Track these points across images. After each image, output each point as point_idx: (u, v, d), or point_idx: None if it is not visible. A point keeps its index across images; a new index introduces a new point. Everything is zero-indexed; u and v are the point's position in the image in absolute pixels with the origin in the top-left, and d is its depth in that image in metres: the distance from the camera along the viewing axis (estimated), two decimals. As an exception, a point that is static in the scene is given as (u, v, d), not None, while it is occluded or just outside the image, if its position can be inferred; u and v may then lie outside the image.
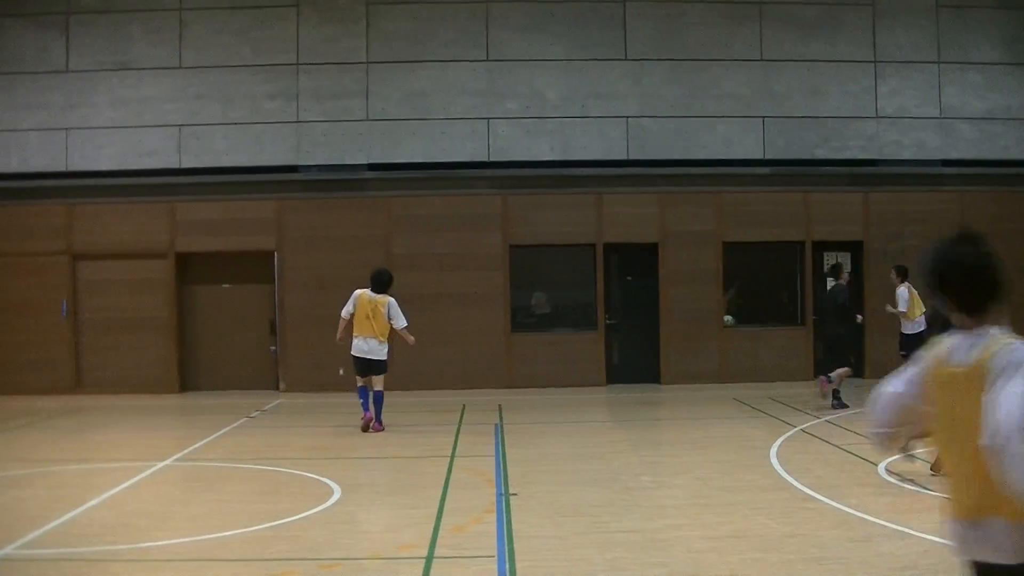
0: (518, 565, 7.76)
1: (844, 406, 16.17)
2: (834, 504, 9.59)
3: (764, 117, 20.55)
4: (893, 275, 17.07)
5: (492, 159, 20.21)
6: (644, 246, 20.47)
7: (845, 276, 17.24)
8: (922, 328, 15.80)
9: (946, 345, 3.85)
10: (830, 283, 17.90)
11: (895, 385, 4.00)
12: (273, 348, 20.15)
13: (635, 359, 20.54)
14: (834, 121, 20.71)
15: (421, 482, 11.11)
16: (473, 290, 20.04)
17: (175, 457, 12.82)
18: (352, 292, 14.80)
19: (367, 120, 20.17)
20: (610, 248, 20.43)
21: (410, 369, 19.55)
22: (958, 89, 21.03)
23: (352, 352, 14.64)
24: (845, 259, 20.77)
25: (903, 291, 16.82)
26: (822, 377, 16.78)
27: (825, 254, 20.79)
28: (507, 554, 8.06)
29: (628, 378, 20.25)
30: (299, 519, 9.31)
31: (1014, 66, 21.19)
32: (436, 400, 18.44)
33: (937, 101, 20.97)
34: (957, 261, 3.81)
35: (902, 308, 16.83)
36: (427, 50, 20.27)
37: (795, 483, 10.68)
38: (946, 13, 21.04)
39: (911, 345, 15.96)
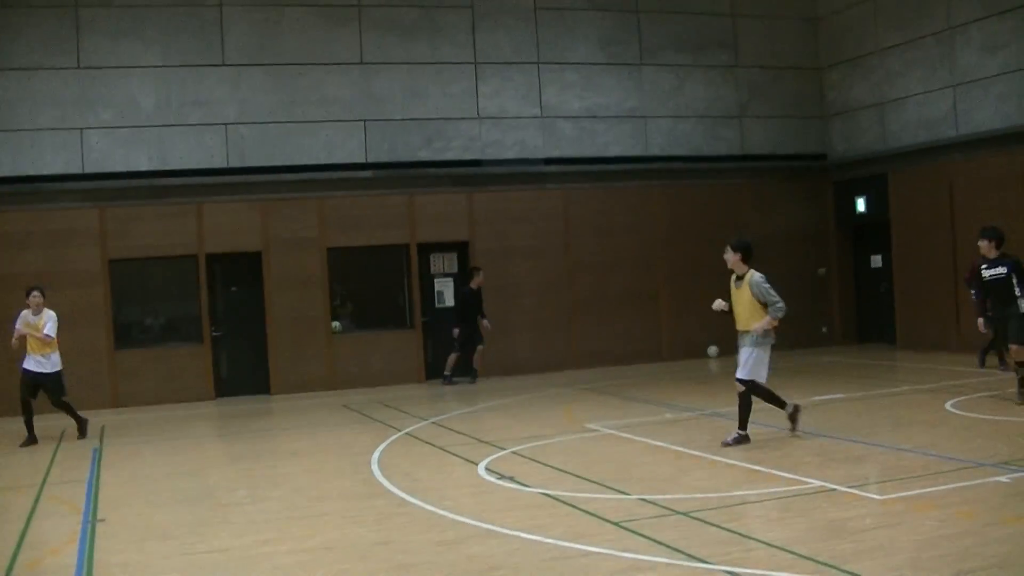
0: (95, 597, 7.45)
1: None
2: (429, 507, 9.64)
3: (366, 120, 20.62)
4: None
5: (86, 171, 19.45)
6: (248, 254, 20.19)
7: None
8: None
9: None
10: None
11: None
12: None
13: (244, 370, 20.25)
14: (436, 123, 21.01)
15: (2, 517, 10.44)
16: (72, 308, 19.14)
17: None
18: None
19: (-53, 132, 19.04)
20: (213, 258, 20.02)
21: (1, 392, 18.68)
22: (557, 89, 21.74)
23: None
24: (452, 259, 21.18)
25: None
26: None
27: (432, 255, 21.11)
28: (84, 586, 7.74)
29: (237, 390, 19.98)
30: None
31: (609, 66, 22.09)
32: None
33: (538, 101, 21.59)
34: None
35: None
36: (11, 57, 19.25)
37: (392, 488, 10.69)
38: (544, 15, 21.70)
39: None
